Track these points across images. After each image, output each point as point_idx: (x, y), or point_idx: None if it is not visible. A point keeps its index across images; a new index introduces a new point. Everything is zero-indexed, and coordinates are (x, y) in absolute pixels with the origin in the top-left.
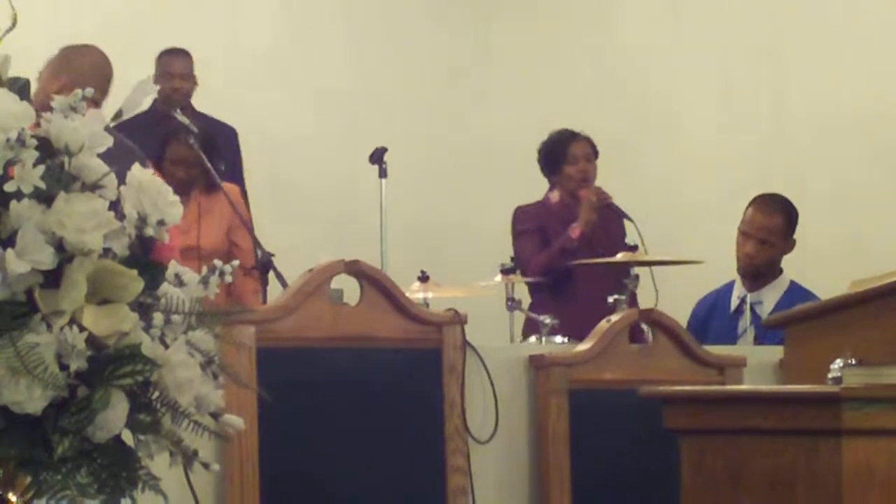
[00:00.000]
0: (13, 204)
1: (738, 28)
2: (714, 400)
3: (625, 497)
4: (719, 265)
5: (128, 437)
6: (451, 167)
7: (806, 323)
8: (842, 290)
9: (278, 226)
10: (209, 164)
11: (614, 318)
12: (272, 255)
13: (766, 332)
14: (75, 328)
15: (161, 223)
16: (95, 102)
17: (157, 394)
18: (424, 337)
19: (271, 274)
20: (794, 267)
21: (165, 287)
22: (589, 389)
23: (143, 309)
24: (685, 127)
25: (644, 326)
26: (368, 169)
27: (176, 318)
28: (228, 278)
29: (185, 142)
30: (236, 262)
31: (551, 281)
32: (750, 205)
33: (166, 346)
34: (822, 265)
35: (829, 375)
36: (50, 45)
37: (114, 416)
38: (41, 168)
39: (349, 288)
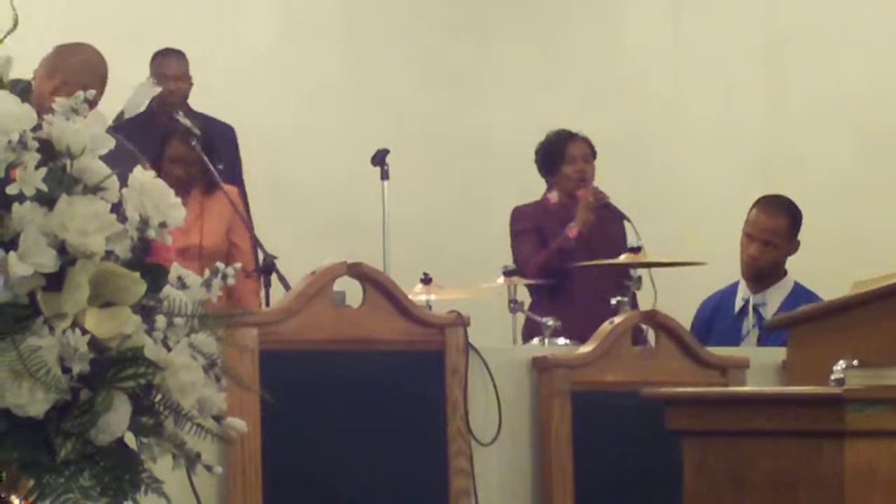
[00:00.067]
0: (15, 206)
1: (738, 28)
2: (716, 401)
3: (627, 498)
4: (720, 266)
5: (130, 440)
6: (452, 168)
7: (808, 324)
8: (841, 287)
9: (280, 227)
10: (210, 165)
11: (617, 319)
12: (275, 257)
13: (770, 334)
14: (78, 331)
15: (163, 225)
16: (91, 101)
17: (159, 396)
18: (427, 339)
19: (274, 276)
20: (793, 263)
21: (168, 290)
22: (592, 391)
23: (146, 311)
24: (685, 127)
25: (643, 326)
26: (370, 170)
27: (179, 320)
28: (231, 280)
29: (184, 140)
30: (238, 265)
31: (553, 282)
32: (754, 206)
33: (169, 349)
34: (821, 262)
35: (832, 377)
36: (47, 46)
37: (116, 419)
38: (43, 170)
39: (352, 290)
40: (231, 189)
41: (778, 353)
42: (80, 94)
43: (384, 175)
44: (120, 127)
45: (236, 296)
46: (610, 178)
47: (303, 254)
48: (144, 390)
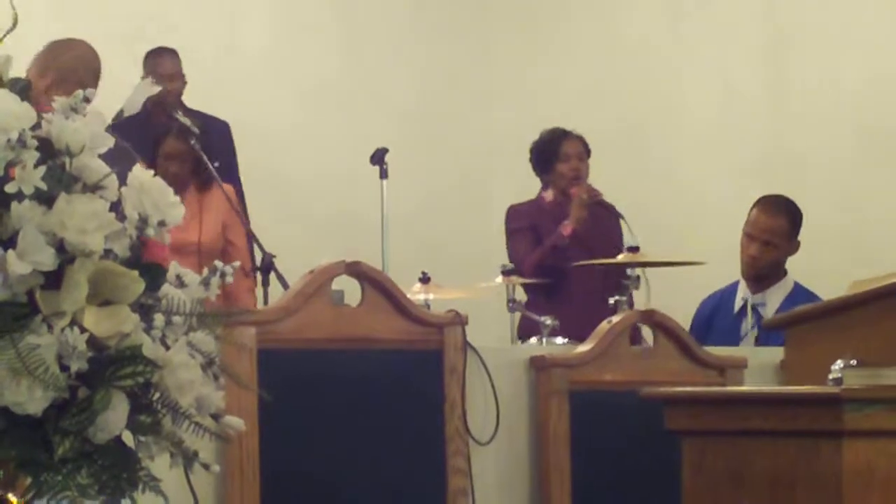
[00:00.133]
0: (14, 205)
1: (738, 28)
2: (715, 401)
3: (625, 498)
4: (720, 266)
5: (128, 439)
6: (451, 167)
7: (806, 324)
8: (841, 287)
9: (278, 226)
10: (208, 163)
11: (615, 319)
12: (274, 256)
13: (768, 334)
14: (76, 329)
15: (162, 224)
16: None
17: (157, 395)
18: (425, 338)
19: (273, 275)
20: (793, 263)
21: (166, 288)
22: (590, 391)
23: (145, 310)
24: (685, 127)
25: (639, 326)
26: (369, 169)
27: (177, 319)
28: (230, 279)
29: (180, 136)
30: (237, 263)
31: (550, 281)
32: (754, 206)
33: (167, 348)
34: (821, 263)
35: (830, 376)
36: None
37: (114, 418)
38: (42, 169)
39: (350, 289)
40: (227, 187)
41: (776, 353)
42: (80, 92)
43: (383, 174)
44: (115, 126)
45: (232, 294)
46: (610, 179)
47: (301, 253)
48: (143, 388)
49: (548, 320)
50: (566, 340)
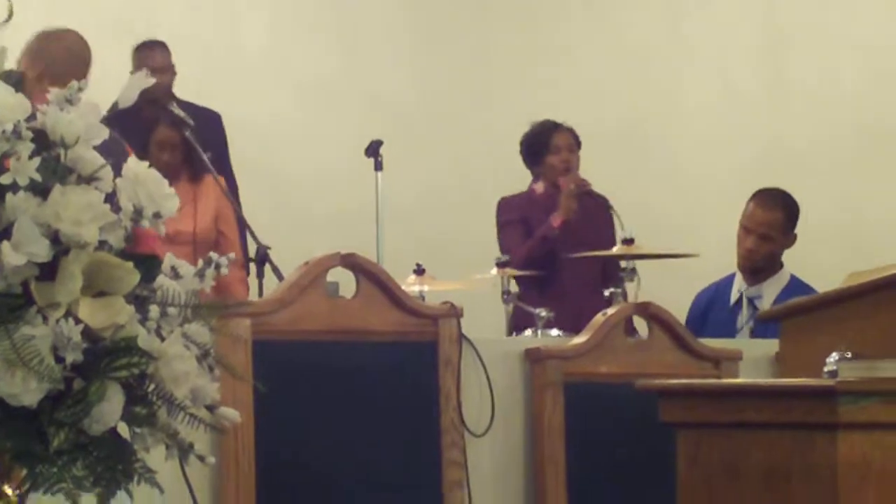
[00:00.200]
0: (9, 196)
1: (737, 28)
2: (710, 393)
3: (620, 490)
4: (717, 259)
5: (123, 430)
6: (445, 159)
7: (801, 316)
8: (838, 282)
9: (273, 218)
10: (202, 154)
11: (610, 311)
12: (268, 247)
13: (764, 327)
14: (71, 321)
15: (157, 215)
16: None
17: (152, 386)
18: (420, 330)
19: (267, 267)
20: (790, 258)
21: (161, 279)
22: (585, 382)
23: (139, 301)
24: (685, 127)
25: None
26: (365, 166)
27: (172, 310)
28: (225, 271)
29: (172, 125)
30: (232, 255)
31: (543, 273)
32: (750, 200)
33: (162, 339)
34: (820, 262)
35: (825, 369)
36: None
37: (109, 409)
38: (37, 160)
39: (345, 281)
40: (219, 179)
41: (771, 346)
42: (74, 84)
43: (378, 166)
44: (107, 118)
45: (223, 284)
46: (610, 178)
47: (296, 244)
48: (138, 380)
49: (542, 312)
50: (561, 332)
